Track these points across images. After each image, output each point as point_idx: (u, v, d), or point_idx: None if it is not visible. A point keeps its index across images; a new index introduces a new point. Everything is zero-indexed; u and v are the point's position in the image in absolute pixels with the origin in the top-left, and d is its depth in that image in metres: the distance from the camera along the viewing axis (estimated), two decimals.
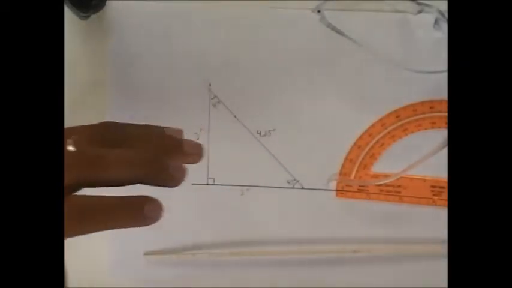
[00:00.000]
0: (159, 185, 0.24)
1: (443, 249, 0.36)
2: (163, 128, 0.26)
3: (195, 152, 0.26)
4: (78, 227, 0.22)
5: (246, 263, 0.38)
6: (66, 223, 0.21)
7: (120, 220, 0.23)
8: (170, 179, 0.24)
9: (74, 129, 0.25)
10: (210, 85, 0.37)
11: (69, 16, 0.35)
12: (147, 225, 0.23)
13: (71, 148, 0.23)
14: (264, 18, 0.36)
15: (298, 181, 0.37)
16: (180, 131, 0.26)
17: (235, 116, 0.37)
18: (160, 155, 0.24)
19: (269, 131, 0.37)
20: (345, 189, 0.37)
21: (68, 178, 0.22)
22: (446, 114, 0.36)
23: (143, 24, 0.36)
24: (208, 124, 0.37)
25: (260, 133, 0.37)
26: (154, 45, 0.36)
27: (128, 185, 0.23)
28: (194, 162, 0.26)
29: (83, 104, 0.37)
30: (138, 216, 0.23)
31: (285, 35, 0.36)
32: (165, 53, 0.36)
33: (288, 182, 0.37)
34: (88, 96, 0.37)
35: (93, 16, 0.36)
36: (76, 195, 0.22)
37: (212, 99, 0.37)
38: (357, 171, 0.37)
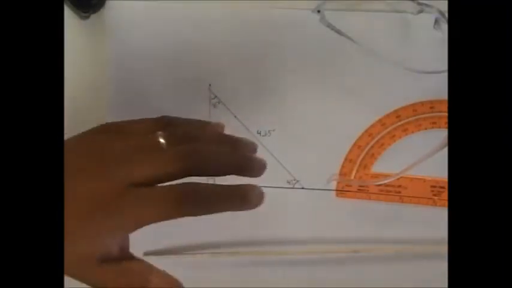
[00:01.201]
0: (247, 176, 0.27)
1: (443, 249, 0.36)
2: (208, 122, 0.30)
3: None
4: (193, 209, 0.25)
5: (246, 263, 0.38)
6: (183, 206, 0.24)
7: (229, 205, 0.26)
8: (255, 170, 0.28)
9: (139, 121, 0.28)
10: (210, 85, 0.37)
11: (69, 16, 0.35)
12: (252, 208, 0.26)
13: (162, 141, 0.25)
14: (264, 18, 0.36)
15: (298, 181, 0.37)
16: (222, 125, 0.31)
17: (235, 116, 0.37)
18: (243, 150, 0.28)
19: (269, 131, 0.37)
20: (345, 189, 0.37)
21: (174, 167, 0.24)
22: (446, 114, 0.36)
23: (143, 24, 0.36)
24: None
25: (260, 133, 0.37)
26: (154, 45, 0.36)
27: (224, 175, 0.26)
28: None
29: (83, 104, 0.37)
30: (244, 200, 0.26)
31: (285, 35, 0.36)
32: (165, 53, 0.36)
33: (288, 182, 0.37)
34: (88, 96, 0.37)
35: (93, 16, 0.36)
36: (192, 183, 0.25)
37: (212, 99, 0.37)
38: (357, 171, 0.37)
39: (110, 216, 0.23)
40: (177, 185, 0.24)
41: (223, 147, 0.28)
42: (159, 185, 0.25)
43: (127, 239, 0.26)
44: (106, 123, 0.27)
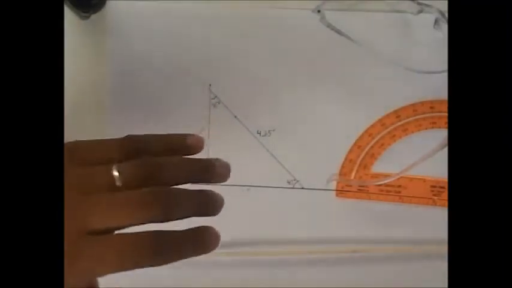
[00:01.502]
0: (209, 182, 0.26)
1: (443, 249, 0.36)
2: (184, 135, 0.28)
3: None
4: (155, 260, 0.23)
5: (246, 263, 0.38)
6: (144, 257, 0.23)
7: (191, 250, 0.25)
8: (218, 175, 0.27)
9: (102, 144, 0.26)
10: (210, 85, 0.37)
11: (69, 16, 0.35)
12: (209, 251, 0.25)
13: (116, 174, 0.24)
14: (264, 18, 0.36)
15: (298, 181, 0.37)
16: (201, 139, 0.28)
17: (235, 116, 0.37)
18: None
19: (269, 131, 0.37)
20: (345, 189, 0.37)
21: (135, 217, 0.23)
22: (446, 114, 0.36)
23: (143, 24, 0.36)
24: (209, 124, 0.37)
25: (260, 133, 0.37)
26: (154, 45, 0.36)
27: (184, 183, 0.25)
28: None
29: (83, 104, 0.37)
30: (202, 243, 0.25)
31: (285, 35, 0.36)
32: (165, 53, 0.36)
33: (288, 182, 0.37)
34: (88, 96, 0.37)
35: (93, 16, 0.36)
36: (152, 231, 0.23)
37: (212, 99, 0.37)
38: (357, 171, 0.37)
39: (69, 264, 0.22)
40: (137, 234, 0.23)
41: (185, 158, 0.26)
42: (116, 232, 0.24)
43: (95, 280, 0.25)
44: (68, 142, 0.25)
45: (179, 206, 0.24)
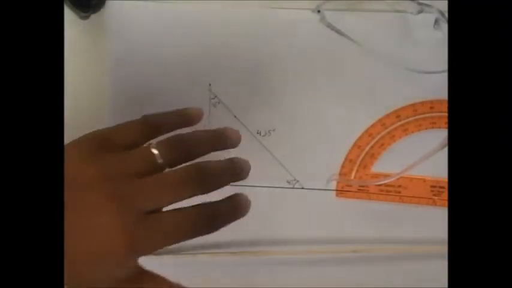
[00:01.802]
0: (226, 148, 0.29)
1: (443, 249, 0.36)
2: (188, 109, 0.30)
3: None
4: (204, 230, 0.26)
5: (246, 263, 0.38)
6: (195, 229, 0.25)
7: (230, 218, 0.27)
8: (231, 140, 0.30)
9: (126, 128, 0.27)
10: (210, 85, 0.37)
11: (69, 16, 0.35)
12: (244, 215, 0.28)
13: (156, 152, 0.26)
14: (264, 18, 0.36)
15: (298, 181, 0.37)
16: (200, 110, 0.31)
17: (235, 116, 0.37)
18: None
19: (269, 131, 0.37)
20: (345, 189, 0.37)
21: (183, 192, 0.25)
22: (446, 114, 0.36)
23: (143, 24, 0.36)
24: (209, 124, 0.37)
25: (260, 133, 0.37)
26: (154, 45, 0.36)
27: (210, 152, 0.28)
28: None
29: (83, 103, 0.37)
30: (240, 209, 0.28)
31: (285, 35, 0.36)
32: (165, 53, 0.36)
33: (288, 182, 0.37)
34: (88, 96, 0.37)
35: (93, 16, 0.36)
36: (200, 204, 0.26)
37: (212, 99, 0.37)
38: (357, 171, 0.37)
39: (131, 247, 0.24)
40: (186, 208, 0.25)
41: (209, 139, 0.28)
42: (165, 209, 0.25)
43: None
44: (89, 133, 0.27)
45: (218, 177, 0.27)
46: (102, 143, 0.26)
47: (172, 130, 0.29)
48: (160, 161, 0.25)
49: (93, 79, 0.37)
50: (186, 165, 0.26)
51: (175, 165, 0.26)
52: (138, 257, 0.25)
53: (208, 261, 0.38)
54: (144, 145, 0.26)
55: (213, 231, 0.26)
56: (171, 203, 0.25)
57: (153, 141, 0.27)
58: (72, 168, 0.24)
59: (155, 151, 0.26)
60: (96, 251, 0.23)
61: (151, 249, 0.25)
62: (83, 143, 0.26)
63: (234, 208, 0.27)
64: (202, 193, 0.26)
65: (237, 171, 0.28)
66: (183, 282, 0.38)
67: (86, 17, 0.36)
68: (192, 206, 0.26)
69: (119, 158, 0.25)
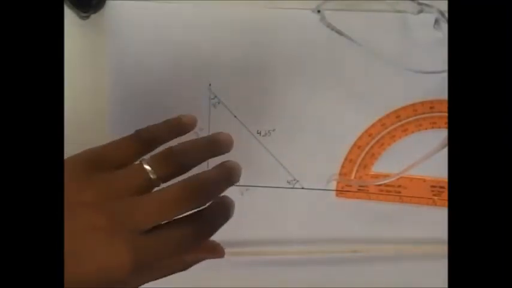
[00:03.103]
0: (219, 154, 0.29)
1: (443, 249, 0.36)
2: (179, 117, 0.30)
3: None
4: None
5: (246, 263, 0.38)
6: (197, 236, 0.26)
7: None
8: (224, 145, 0.29)
9: (118, 146, 0.27)
10: (210, 85, 0.37)
11: (69, 16, 0.35)
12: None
13: (149, 168, 0.26)
14: (264, 18, 0.36)
15: (298, 181, 0.37)
16: (194, 117, 0.30)
17: (235, 116, 0.37)
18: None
19: (269, 131, 0.37)
20: (345, 189, 0.37)
21: (182, 206, 0.26)
22: (446, 114, 0.36)
23: (143, 24, 0.36)
24: (209, 124, 0.37)
25: (260, 133, 0.37)
26: (154, 45, 0.36)
27: (203, 161, 0.28)
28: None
29: (83, 104, 0.37)
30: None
31: (285, 35, 0.36)
32: (165, 53, 0.36)
33: (288, 182, 0.37)
34: (88, 96, 0.37)
35: (93, 16, 0.36)
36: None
37: (212, 99, 0.37)
38: (357, 171, 0.37)
39: (131, 267, 0.24)
40: (185, 221, 0.26)
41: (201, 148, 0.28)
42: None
43: None
44: (82, 152, 0.26)
45: (213, 187, 0.26)
46: (95, 162, 0.26)
47: (166, 141, 0.28)
48: (153, 176, 0.25)
49: (93, 79, 0.37)
50: (181, 181, 0.26)
51: (170, 179, 0.26)
52: (142, 275, 0.25)
53: (209, 261, 0.38)
54: (137, 162, 0.26)
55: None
56: (168, 220, 0.25)
57: (147, 156, 0.27)
58: (66, 189, 0.23)
59: (148, 167, 0.25)
60: (98, 271, 0.23)
61: (152, 264, 0.25)
62: (76, 163, 0.25)
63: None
64: (199, 206, 0.26)
65: (230, 176, 0.28)
66: (184, 282, 0.38)
67: (86, 17, 0.36)
68: (190, 215, 0.26)
69: (112, 177, 0.25)
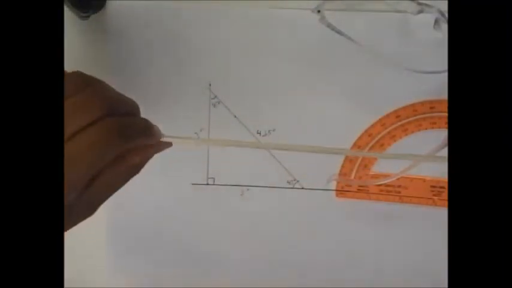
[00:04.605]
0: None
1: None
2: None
3: None
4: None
5: (247, 263, 0.38)
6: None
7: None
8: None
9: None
10: (210, 85, 0.37)
11: (69, 16, 0.35)
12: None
13: None
14: (264, 18, 0.36)
15: (298, 181, 0.37)
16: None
17: (235, 116, 0.37)
18: None
19: (269, 131, 0.37)
20: (345, 189, 0.37)
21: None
22: (446, 114, 0.36)
23: (143, 24, 0.36)
24: (208, 124, 0.37)
25: (260, 133, 0.37)
26: (154, 45, 0.36)
27: None
28: None
29: None
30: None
31: (285, 35, 0.36)
32: (165, 53, 0.36)
33: (288, 182, 0.37)
34: None
35: (93, 16, 0.36)
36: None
37: (212, 99, 0.37)
38: (357, 171, 0.37)
39: None
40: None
41: None
42: None
43: None
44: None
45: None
46: None
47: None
48: None
49: None
50: None
51: None
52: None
53: (209, 260, 0.38)
54: None
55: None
56: None
57: None
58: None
59: None
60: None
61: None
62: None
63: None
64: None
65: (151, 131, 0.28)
66: (184, 282, 0.38)
67: (86, 17, 0.36)
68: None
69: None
